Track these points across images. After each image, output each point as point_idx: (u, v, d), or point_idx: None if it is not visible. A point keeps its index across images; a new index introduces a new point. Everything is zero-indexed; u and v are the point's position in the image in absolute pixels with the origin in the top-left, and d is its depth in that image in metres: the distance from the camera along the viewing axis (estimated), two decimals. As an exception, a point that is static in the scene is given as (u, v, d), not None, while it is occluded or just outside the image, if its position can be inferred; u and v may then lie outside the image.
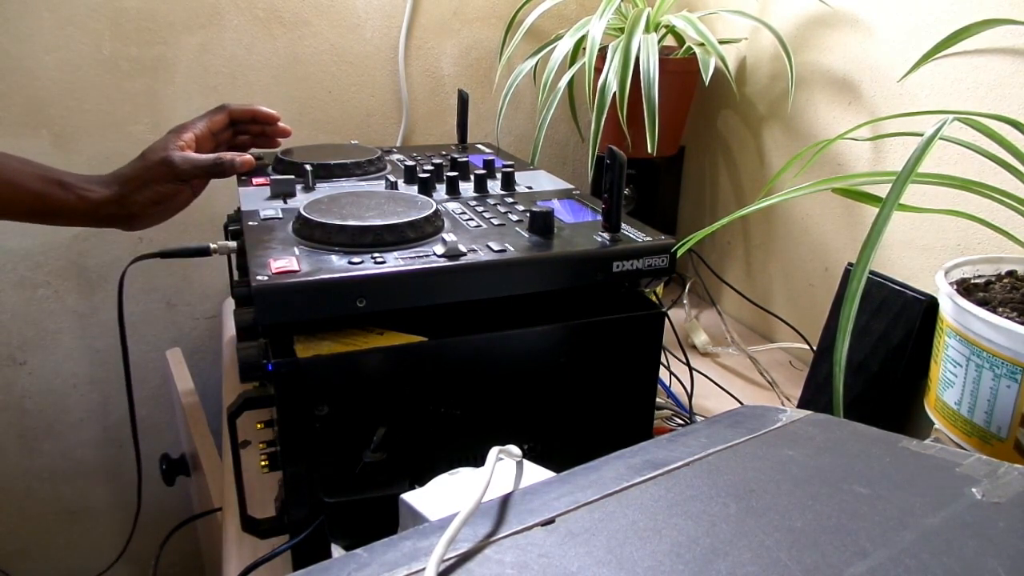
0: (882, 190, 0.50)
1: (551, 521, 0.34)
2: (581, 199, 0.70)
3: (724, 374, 0.89)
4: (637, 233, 0.60)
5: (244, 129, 0.80)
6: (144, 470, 1.20)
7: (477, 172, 0.72)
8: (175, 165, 0.70)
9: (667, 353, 0.83)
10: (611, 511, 0.34)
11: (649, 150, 0.81)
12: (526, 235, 0.59)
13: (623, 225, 0.60)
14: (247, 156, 0.74)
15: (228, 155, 0.73)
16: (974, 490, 0.35)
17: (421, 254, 0.54)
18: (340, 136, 1.13)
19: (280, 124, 0.81)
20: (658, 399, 0.73)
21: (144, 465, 1.20)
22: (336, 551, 0.52)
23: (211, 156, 0.72)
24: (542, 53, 1.03)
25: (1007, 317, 0.50)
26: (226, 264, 0.76)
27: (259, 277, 0.49)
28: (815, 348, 0.78)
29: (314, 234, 0.56)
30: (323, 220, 0.56)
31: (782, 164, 0.94)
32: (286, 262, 0.51)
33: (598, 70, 0.88)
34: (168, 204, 0.73)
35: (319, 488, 0.52)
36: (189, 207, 1.10)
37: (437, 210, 0.60)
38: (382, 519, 0.47)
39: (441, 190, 0.71)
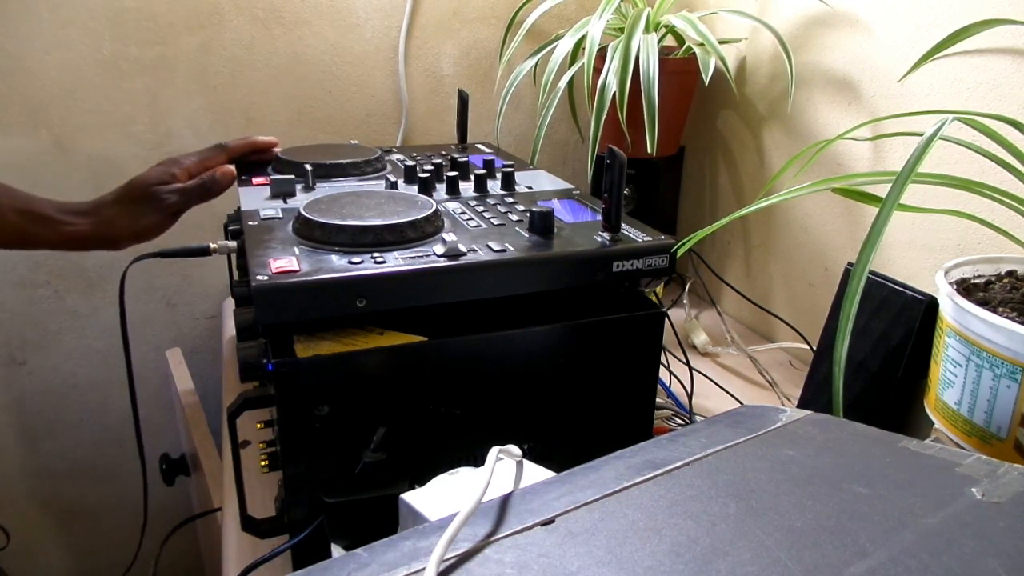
0: (882, 190, 0.50)
1: (551, 521, 0.34)
2: (581, 199, 0.70)
3: (724, 374, 0.89)
4: (637, 233, 0.60)
5: (242, 161, 0.80)
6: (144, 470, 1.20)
7: (477, 172, 0.72)
8: (161, 200, 0.70)
9: (667, 353, 0.83)
10: (611, 511, 0.34)
11: (649, 150, 0.81)
12: (526, 235, 0.59)
13: (623, 225, 0.60)
14: (228, 168, 0.74)
15: (208, 174, 0.73)
16: (974, 490, 0.35)
17: (421, 254, 0.54)
18: (340, 136, 1.13)
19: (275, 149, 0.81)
20: (658, 399, 0.73)
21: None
22: (336, 551, 0.52)
23: (194, 181, 0.72)
24: (542, 53, 1.03)
25: (1007, 317, 0.50)
26: (226, 264, 0.76)
27: (259, 277, 0.49)
28: (815, 348, 0.78)
29: (314, 234, 0.56)
30: (323, 220, 0.56)
31: (782, 164, 0.94)
32: (286, 262, 0.51)
33: (598, 70, 0.88)
34: (151, 232, 0.73)
35: (319, 488, 0.52)
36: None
37: (437, 210, 0.60)
38: (382, 519, 0.47)
39: (441, 190, 0.71)
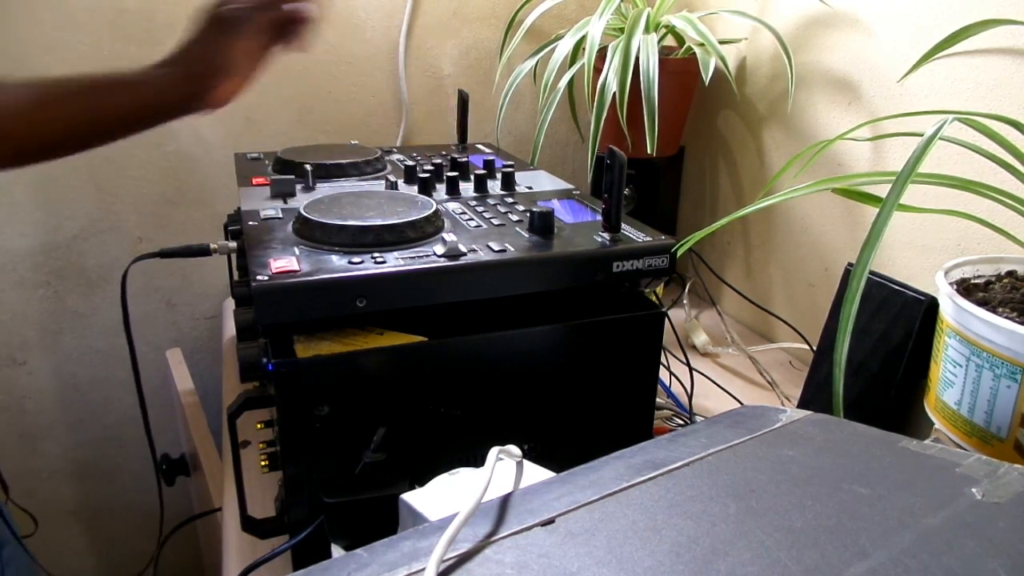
0: (882, 190, 0.50)
1: (551, 521, 0.34)
2: (581, 199, 0.70)
3: (724, 374, 0.89)
4: (637, 233, 0.60)
5: None
6: (144, 470, 1.20)
7: (477, 172, 0.72)
8: (224, 18, 0.64)
9: (667, 353, 0.83)
10: (611, 511, 0.34)
11: (649, 150, 0.81)
12: (526, 235, 0.59)
13: (623, 225, 0.60)
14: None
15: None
16: (974, 490, 0.35)
17: (421, 254, 0.54)
18: (340, 136, 1.13)
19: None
20: (658, 399, 0.73)
21: (144, 465, 1.20)
22: (336, 551, 0.52)
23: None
24: (542, 53, 1.03)
25: (1007, 317, 0.50)
26: (226, 264, 0.76)
27: (259, 277, 0.49)
28: (815, 348, 0.78)
29: (314, 234, 0.56)
30: (323, 220, 0.56)
31: (782, 164, 0.94)
32: (286, 262, 0.51)
33: (598, 70, 0.88)
34: (240, 66, 0.64)
35: (319, 488, 0.52)
36: (188, 206, 1.10)
37: (437, 210, 0.60)
38: (382, 519, 0.47)
39: (441, 190, 0.71)
